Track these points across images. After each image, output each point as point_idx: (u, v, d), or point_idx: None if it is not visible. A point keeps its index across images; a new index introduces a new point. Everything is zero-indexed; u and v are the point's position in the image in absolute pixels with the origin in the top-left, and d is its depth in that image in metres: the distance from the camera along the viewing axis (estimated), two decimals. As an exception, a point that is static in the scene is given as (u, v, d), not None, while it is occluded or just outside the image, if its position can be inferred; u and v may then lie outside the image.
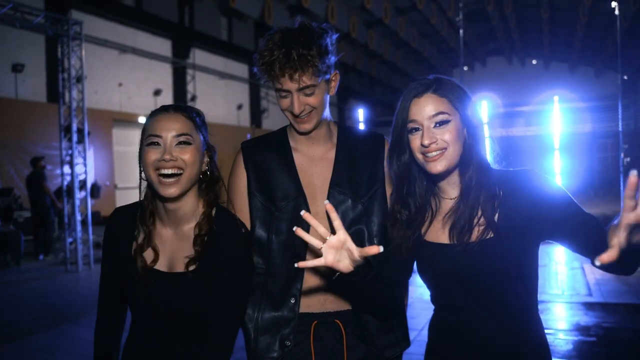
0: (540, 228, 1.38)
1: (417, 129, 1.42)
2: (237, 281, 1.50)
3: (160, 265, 1.48)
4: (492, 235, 1.39)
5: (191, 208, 1.49)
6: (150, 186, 1.47)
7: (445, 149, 1.39)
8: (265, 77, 1.59)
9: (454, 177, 1.46)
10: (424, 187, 1.51)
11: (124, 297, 1.55)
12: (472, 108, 1.44)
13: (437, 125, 1.40)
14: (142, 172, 1.46)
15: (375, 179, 1.70)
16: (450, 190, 1.48)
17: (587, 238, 1.28)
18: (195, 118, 1.48)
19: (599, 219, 1.31)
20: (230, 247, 1.49)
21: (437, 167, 1.40)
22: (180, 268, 1.47)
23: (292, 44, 1.53)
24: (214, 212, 1.50)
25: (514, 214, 1.39)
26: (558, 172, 9.72)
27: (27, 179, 10.16)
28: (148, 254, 1.47)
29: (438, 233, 1.48)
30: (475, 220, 1.40)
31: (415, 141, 1.42)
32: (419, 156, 1.42)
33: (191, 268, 1.45)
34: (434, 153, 1.39)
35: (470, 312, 1.43)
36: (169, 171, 1.39)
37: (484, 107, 12.07)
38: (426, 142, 1.38)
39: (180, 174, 1.41)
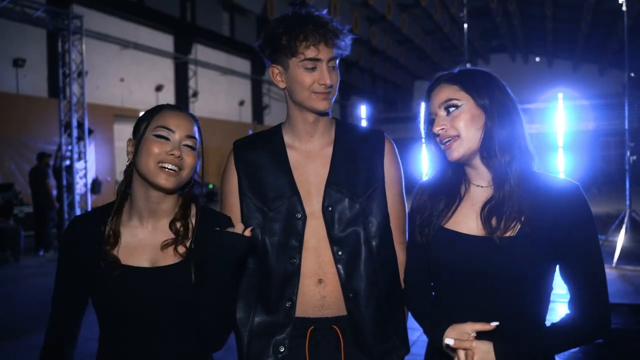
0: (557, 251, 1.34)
1: (434, 119, 1.42)
2: None
3: (142, 262, 1.43)
4: (518, 233, 1.32)
5: (172, 205, 1.48)
6: (136, 177, 1.44)
7: (458, 136, 1.36)
8: (286, 49, 1.50)
9: (480, 165, 1.41)
10: (453, 174, 1.47)
11: (80, 312, 1.52)
12: (493, 91, 1.38)
13: (448, 112, 1.39)
14: (134, 163, 1.43)
15: (374, 178, 1.60)
16: (479, 177, 1.43)
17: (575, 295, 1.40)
18: (198, 124, 1.50)
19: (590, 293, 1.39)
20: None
21: (453, 154, 1.38)
22: (163, 262, 1.43)
23: (318, 16, 1.53)
24: (193, 209, 1.50)
25: (543, 222, 1.32)
26: (562, 170, 9.62)
27: (30, 173, 10.08)
28: (123, 251, 1.43)
29: (461, 221, 1.42)
30: (506, 214, 1.33)
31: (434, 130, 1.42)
32: (441, 146, 1.41)
33: (178, 260, 1.42)
34: (446, 140, 1.38)
35: (479, 312, 1.33)
36: (172, 166, 1.40)
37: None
38: (436, 130, 1.39)
39: (178, 171, 1.41)
